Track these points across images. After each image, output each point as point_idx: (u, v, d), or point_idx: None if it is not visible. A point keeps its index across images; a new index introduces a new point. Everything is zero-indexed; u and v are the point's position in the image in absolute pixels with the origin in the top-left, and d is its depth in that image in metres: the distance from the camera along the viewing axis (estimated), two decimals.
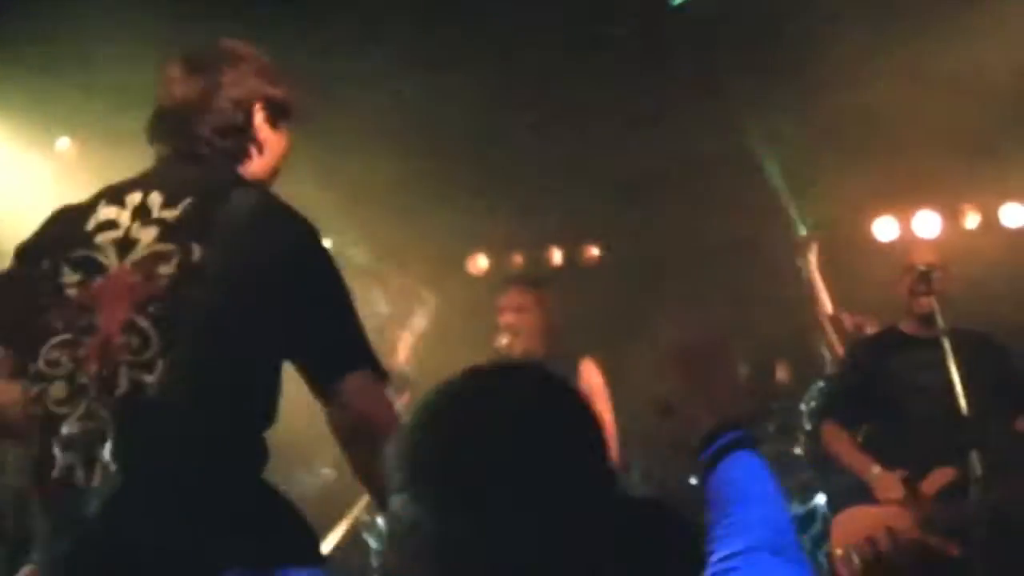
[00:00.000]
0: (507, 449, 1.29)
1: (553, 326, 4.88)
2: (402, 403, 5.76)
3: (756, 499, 1.64)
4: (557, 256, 8.53)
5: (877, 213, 7.67)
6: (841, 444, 4.43)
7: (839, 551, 4.06)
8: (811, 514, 5.74)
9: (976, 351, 4.31)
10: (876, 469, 4.21)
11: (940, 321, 4.24)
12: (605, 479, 1.36)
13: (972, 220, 7.56)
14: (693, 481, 4.93)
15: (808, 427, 5.83)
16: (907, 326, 4.55)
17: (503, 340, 4.83)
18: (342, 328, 2.20)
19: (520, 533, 1.26)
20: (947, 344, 4.14)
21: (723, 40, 6.06)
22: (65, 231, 2.22)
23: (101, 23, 5.17)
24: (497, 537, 1.26)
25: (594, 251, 8.55)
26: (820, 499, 5.70)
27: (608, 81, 6.40)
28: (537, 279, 5.51)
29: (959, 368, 4.10)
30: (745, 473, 1.69)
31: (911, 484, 4.13)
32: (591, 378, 4.75)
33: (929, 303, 4.32)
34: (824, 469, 5.14)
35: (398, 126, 6.30)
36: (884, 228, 7.64)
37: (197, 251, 2.07)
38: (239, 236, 2.09)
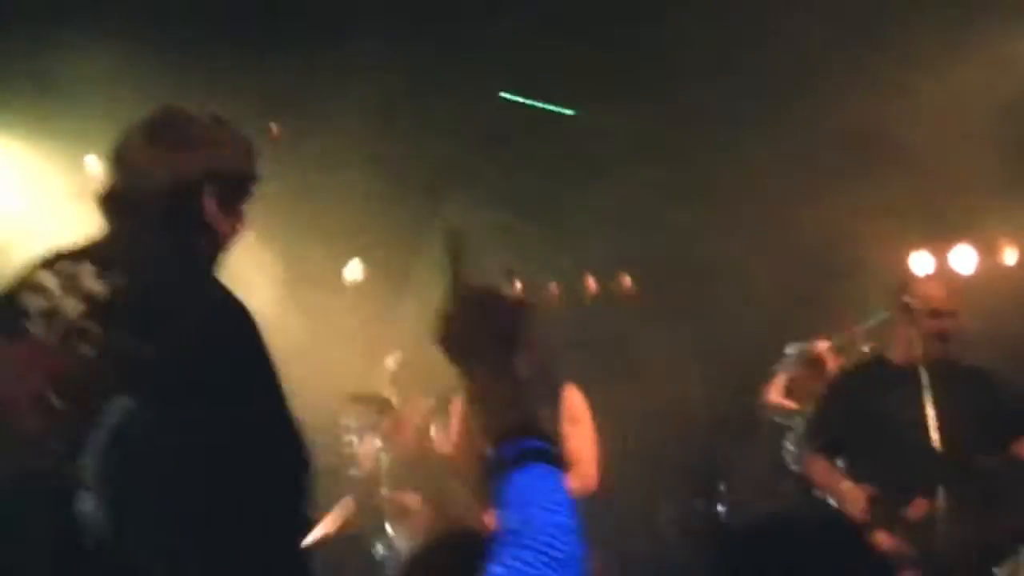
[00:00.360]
0: None
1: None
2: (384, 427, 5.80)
3: (546, 524, 1.60)
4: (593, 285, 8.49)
5: (913, 247, 7.51)
6: (817, 469, 4.46)
7: None
8: None
9: (965, 383, 4.27)
10: (844, 484, 4.27)
11: (922, 353, 4.21)
12: None
13: (1010, 256, 7.35)
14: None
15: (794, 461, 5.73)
16: (895, 357, 4.48)
17: None
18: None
19: None
20: (925, 377, 4.13)
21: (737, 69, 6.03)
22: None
23: (120, 48, 5.30)
24: None
25: (629, 281, 8.50)
26: None
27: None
28: None
29: (946, 401, 4.10)
30: (542, 492, 1.63)
31: (881, 503, 4.12)
32: (575, 403, 4.71)
33: (913, 336, 4.27)
34: None
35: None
36: (920, 263, 7.48)
37: (123, 337, 2.03)
38: (168, 325, 2.03)
